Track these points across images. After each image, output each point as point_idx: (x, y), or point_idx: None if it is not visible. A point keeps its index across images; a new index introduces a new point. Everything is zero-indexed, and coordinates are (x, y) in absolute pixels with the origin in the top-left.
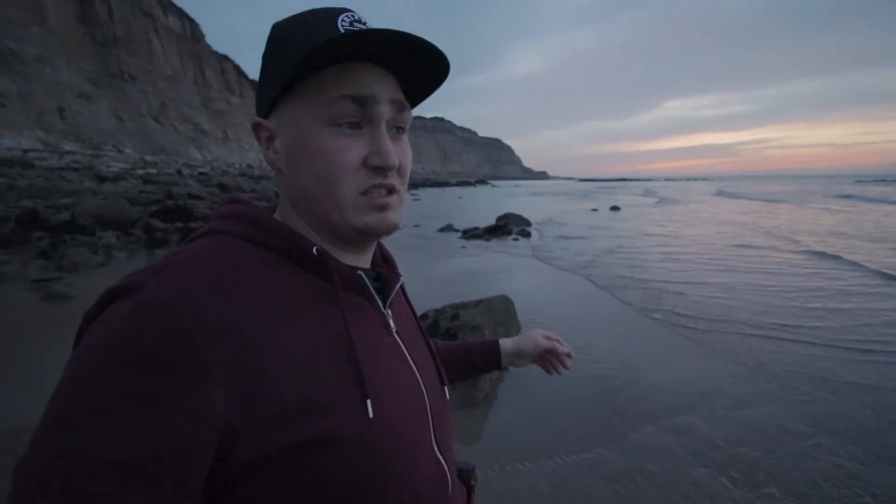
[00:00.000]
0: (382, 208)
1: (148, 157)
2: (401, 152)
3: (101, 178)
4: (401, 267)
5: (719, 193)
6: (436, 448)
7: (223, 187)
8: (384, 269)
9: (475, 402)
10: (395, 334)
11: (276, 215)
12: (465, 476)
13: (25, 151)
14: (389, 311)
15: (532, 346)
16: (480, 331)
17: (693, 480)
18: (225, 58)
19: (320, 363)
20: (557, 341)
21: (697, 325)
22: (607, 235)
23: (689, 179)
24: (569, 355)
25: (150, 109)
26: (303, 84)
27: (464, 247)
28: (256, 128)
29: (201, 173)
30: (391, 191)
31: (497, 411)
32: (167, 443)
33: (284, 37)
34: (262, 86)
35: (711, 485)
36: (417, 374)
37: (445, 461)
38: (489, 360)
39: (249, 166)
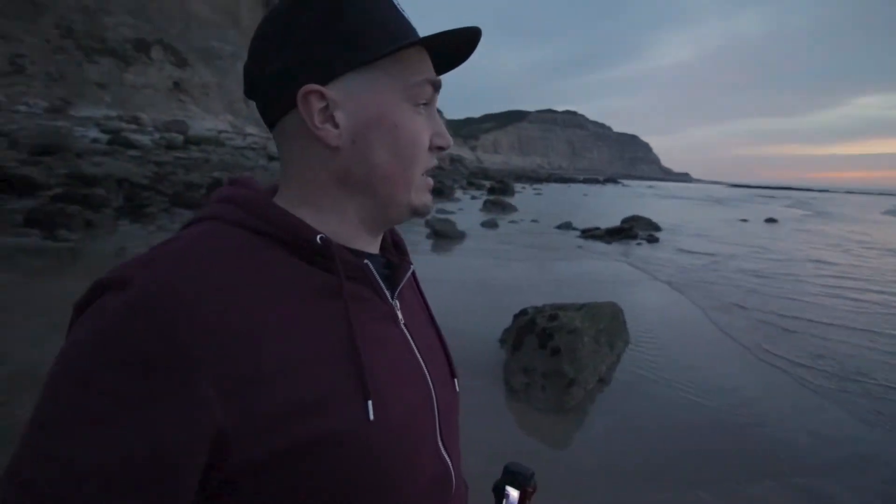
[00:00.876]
0: (431, 189)
1: None
2: None
3: (271, 158)
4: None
5: None
6: (441, 445)
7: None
8: (394, 257)
9: (565, 408)
10: (402, 326)
11: (279, 198)
12: (520, 481)
13: (219, 132)
14: (398, 301)
15: None
16: (579, 336)
17: None
18: None
19: (319, 361)
20: None
21: (847, 380)
22: (754, 253)
23: (881, 194)
24: None
25: None
26: (384, 61)
27: (580, 247)
28: (309, 95)
29: None
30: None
31: (587, 424)
32: (156, 448)
33: (356, 3)
34: (312, 45)
35: None
36: (425, 369)
37: (450, 458)
38: None
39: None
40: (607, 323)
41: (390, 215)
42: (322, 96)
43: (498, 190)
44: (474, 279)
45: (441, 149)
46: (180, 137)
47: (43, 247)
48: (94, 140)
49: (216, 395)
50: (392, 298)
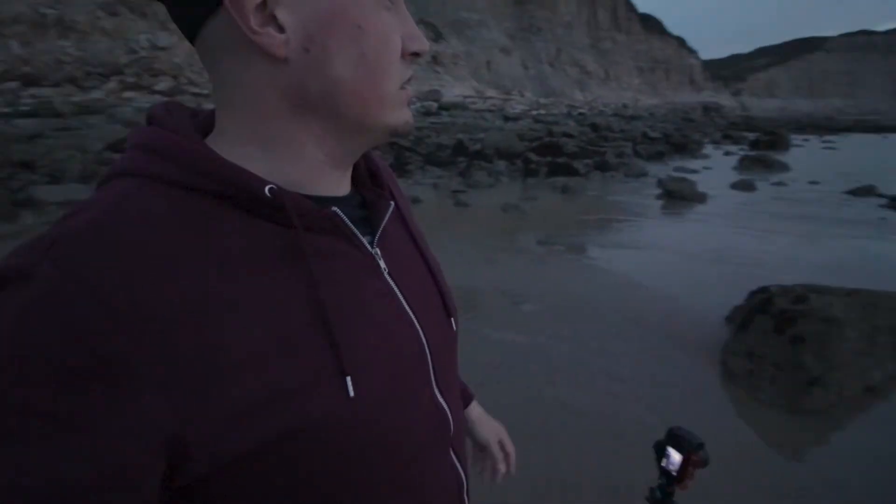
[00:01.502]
0: (409, 102)
1: (542, 100)
2: None
3: (506, 118)
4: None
5: None
6: (436, 392)
7: (594, 127)
8: (370, 191)
9: (800, 409)
10: (387, 276)
11: (215, 137)
12: (685, 446)
13: (465, 97)
14: (378, 249)
15: (485, 432)
16: (837, 328)
17: None
18: None
19: (284, 341)
20: (503, 449)
21: None
22: None
23: None
24: (505, 469)
25: (548, 56)
26: None
27: (883, 219)
28: None
29: (580, 113)
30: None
31: (832, 437)
32: (98, 468)
33: None
34: None
35: None
36: (414, 319)
37: (446, 401)
38: None
39: (624, 106)
40: (892, 320)
41: (361, 141)
42: None
43: (764, 143)
44: (709, 249)
45: (416, 55)
46: (434, 105)
47: None
48: None
49: (159, 398)
50: (373, 246)
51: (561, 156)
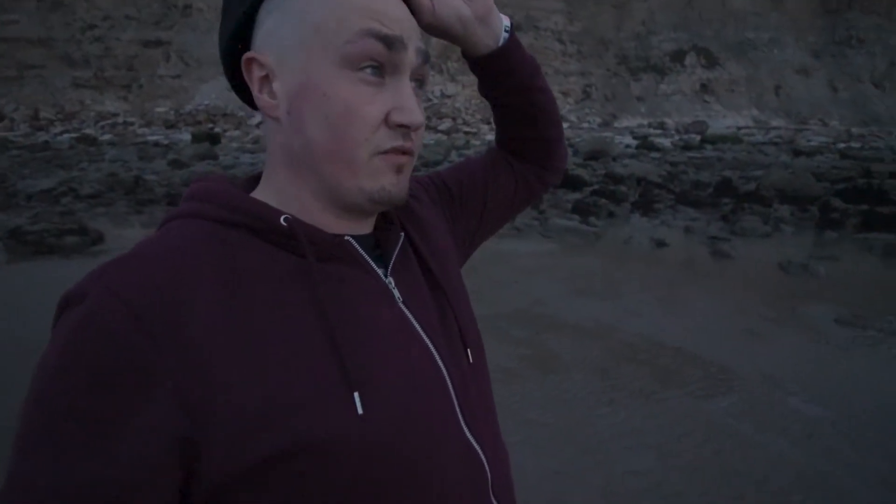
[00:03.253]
0: (398, 169)
1: (854, 129)
2: (420, 110)
3: (797, 153)
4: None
5: None
6: (464, 426)
7: None
8: (381, 230)
9: None
10: (401, 305)
11: (261, 184)
12: None
13: (739, 129)
14: (392, 278)
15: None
16: None
17: None
18: None
19: (292, 356)
20: None
21: None
22: None
23: None
24: None
25: (872, 74)
26: (314, 11)
27: None
28: (249, 64)
29: None
30: (406, 153)
31: None
32: (125, 467)
33: None
34: (237, 4)
35: None
36: (433, 349)
37: (478, 440)
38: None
39: None
40: None
41: (347, 201)
42: (260, 64)
43: None
44: None
45: (403, 126)
46: (697, 138)
47: (579, 229)
48: (627, 146)
49: (180, 405)
50: (386, 276)
51: (884, 203)
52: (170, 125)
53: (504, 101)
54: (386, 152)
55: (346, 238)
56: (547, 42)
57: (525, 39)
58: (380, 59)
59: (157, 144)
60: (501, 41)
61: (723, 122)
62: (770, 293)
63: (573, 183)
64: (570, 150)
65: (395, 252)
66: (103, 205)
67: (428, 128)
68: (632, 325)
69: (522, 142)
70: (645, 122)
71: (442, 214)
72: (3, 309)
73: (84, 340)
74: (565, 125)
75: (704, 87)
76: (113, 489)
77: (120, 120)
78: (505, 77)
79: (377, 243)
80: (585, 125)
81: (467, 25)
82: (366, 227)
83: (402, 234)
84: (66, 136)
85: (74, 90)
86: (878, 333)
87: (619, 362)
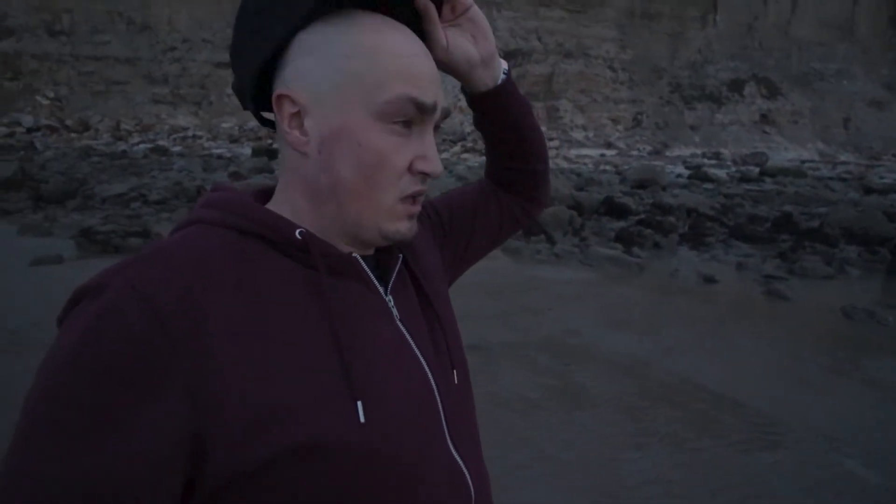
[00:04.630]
0: (412, 216)
1: None
2: None
3: (868, 190)
4: None
5: None
6: (451, 447)
7: None
8: (382, 251)
9: None
10: (398, 322)
11: (276, 200)
12: None
13: (803, 162)
14: (391, 297)
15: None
16: None
17: None
18: None
19: (301, 362)
20: None
21: None
22: None
23: None
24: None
25: None
26: (357, 64)
27: None
28: (281, 100)
29: None
30: (419, 198)
31: None
32: (133, 462)
33: None
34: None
35: None
36: (426, 367)
37: (463, 460)
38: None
39: None
40: None
41: (361, 235)
42: (293, 101)
43: None
44: None
45: (425, 174)
46: (756, 170)
47: (621, 259)
48: (679, 175)
49: (191, 403)
50: (386, 294)
51: None
52: (233, 140)
53: (497, 136)
54: (406, 198)
55: (354, 256)
56: (597, 69)
57: (575, 66)
58: (409, 117)
59: (220, 157)
60: (499, 81)
61: (784, 154)
62: (830, 341)
63: (618, 211)
64: (616, 178)
65: (395, 273)
66: (167, 210)
67: (474, 150)
68: (670, 363)
69: (511, 174)
70: (699, 151)
71: (432, 240)
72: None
73: (102, 331)
74: (614, 152)
75: (765, 118)
76: (116, 483)
77: (190, 133)
78: (499, 114)
79: (378, 264)
80: (635, 153)
81: (473, 66)
82: (369, 249)
83: (401, 255)
84: (142, 146)
85: (153, 105)
86: None
87: (653, 403)
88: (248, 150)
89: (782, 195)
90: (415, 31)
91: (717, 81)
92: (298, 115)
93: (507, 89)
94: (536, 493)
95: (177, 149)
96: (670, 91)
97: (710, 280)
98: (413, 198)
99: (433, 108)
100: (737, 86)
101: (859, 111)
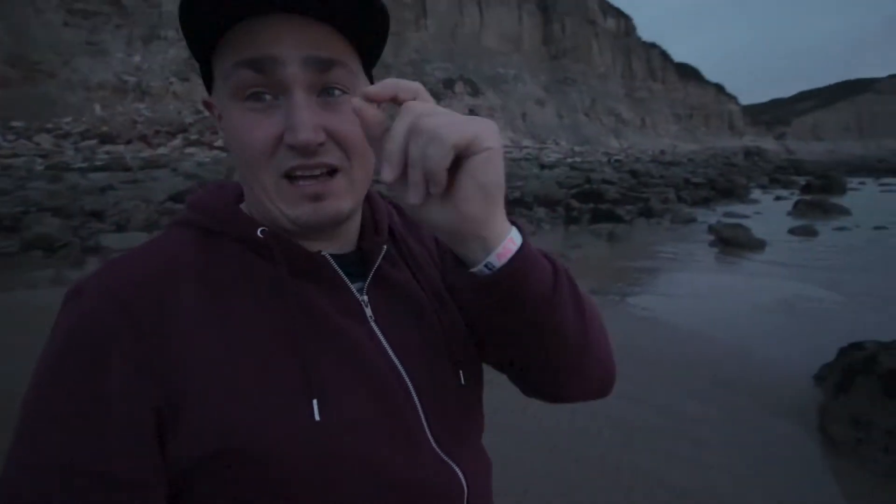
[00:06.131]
0: (316, 197)
1: (577, 148)
2: (337, 120)
3: (542, 166)
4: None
5: None
6: (434, 445)
7: (634, 173)
8: (368, 242)
9: None
10: (371, 322)
11: (245, 201)
12: None
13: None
14: (367, 296)
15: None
16: None
17: None
18: (652, 46)
19: (258, 358)
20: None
21: None
22: None
23: None
24: None
25: (583, 106)
26: (215, 51)
27: None
28: (209, 107)
29: (616, 160)
30: (332, 171)
31: None
32: (119, 449)
33: None
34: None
35: None
36: (399, 365)
37: (452, 457)
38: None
39: (662, 152)
40: None
41: (278, 222)
42: (213, 105)
43: (817, 187)
44: (776, 300)
45: (294, 147)
46: None
47: None
48: None
49: (154, 382)
50: (363, 292)
51: (603, 202)
52: None
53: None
54: (291, 175)
55: (323, 254)
56: None
57: None
58: (256, 85)
59: None
60: (490, 265)
61: None
62: None
63: None
64: None
65: (374, 268)
66: None
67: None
68: None
69: (512, 371)
70: None
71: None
72: None
73: (77, 330)
74: None
75: (472, 112)
76: (102, 463)
77: None
78: (500, 310)
79: (363, 257)
80: None
81: (439, 233)
82: (342, 244)
83: (385, 246)
84: None
85: None
86: (616, 298)
87: None
88: None
89: None
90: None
91: (434, 79)
92: (221, 118)
93: (507, 280)
94: None
95: None
96: None
97: None
98: (306, 172)
99: (270, 60)
100: (449, 84)
101: (531, 108)
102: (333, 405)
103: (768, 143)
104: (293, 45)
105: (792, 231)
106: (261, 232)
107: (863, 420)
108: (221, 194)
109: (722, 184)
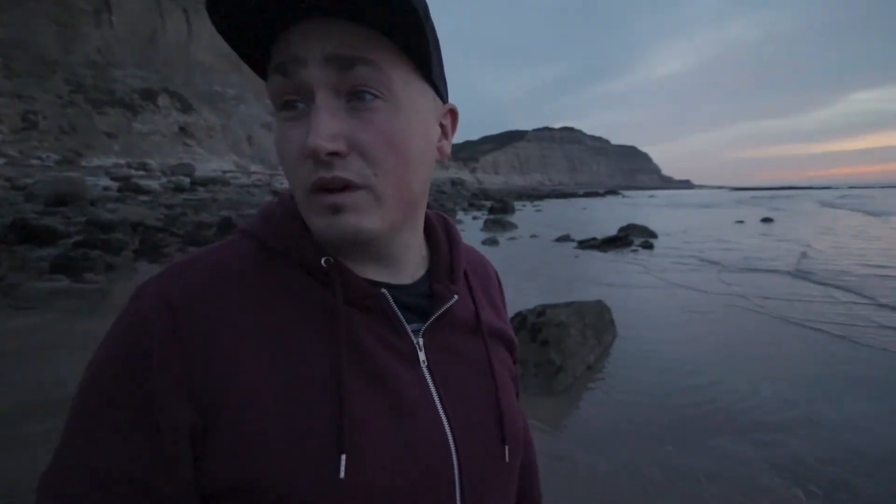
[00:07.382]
0: (335, 209)
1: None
2: (362, 128)
3: (275, 193)
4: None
5: None
6: None
7: None
8: (441, 284)
9: (554, 391)
10: (423, 367)
11: None
12: None
13: (224, 172)
14: (422, 339)
15: None
16: (565, 329)
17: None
18: None
19: (294, 395)
20: None
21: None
22: (739, 249)
23: (884, 187)
24: None
25: None
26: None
27: (577, 256)
28: None
29: None
30: (348, 186)
31: (575, 402)
32: (152, 455)
33: None
34: None
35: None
36: (446, 423)
37: None
38: None
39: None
40: (594, 319)
41: (320, 242)
42: None
43: (498, 209)
44: None
45: (310, 157)
46: (187, 180)
47: (74, 289)
48: (106, 188)
49: (192, 399)
50: (419, 335)
51: None
52: None
53: None
54: (313, 188)
55: (383, 291)
56: None
57: None
58: (287, 91)
59: None
60: None
61: (208, 165)
62: None
63: (41, 235)
64: (19, 195)
65: (438, 313)
66: None
67: None
68: None
69: None
70: (122, 161)
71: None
72: None
73: (131, 333)
74: (2, 161)
75: (184, 130)
76: (137, 469)
77: None
78: None
79: (426, 295)
80: (36, 162)
81: None
82: (398, 274)
83: (455, 296)
84: None
85: None
86: None
87: None
88: None
89: (217, 202)
90: None
91: (127, 88)
92: None
93: None
94: None
95: None
96: (71, 91)
97: None
98: (321, 188)
99: (293, 61)
100: (150, 95)
101: (258, 131)
102: (362, 463)
103: (466, 176)
104: (316, 44)
105: (483, 242)
106: (324, 261)
107: (522, 360)
108: (289, 210)
109: (436, 208)
